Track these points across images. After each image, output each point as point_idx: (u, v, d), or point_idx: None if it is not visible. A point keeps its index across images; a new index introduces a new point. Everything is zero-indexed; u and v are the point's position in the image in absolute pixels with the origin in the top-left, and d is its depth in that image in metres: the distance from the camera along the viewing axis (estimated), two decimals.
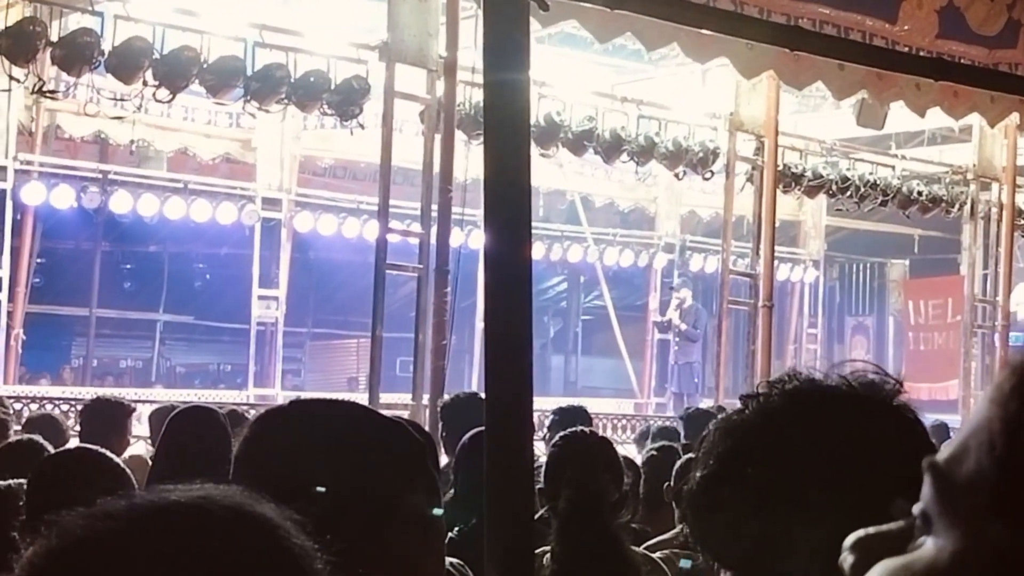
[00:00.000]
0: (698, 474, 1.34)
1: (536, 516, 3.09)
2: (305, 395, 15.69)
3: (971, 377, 14.14)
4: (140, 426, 10.33)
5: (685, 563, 3.61)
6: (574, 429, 3.60)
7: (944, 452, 0.72)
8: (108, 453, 3.18)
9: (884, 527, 0.79)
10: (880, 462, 1.27)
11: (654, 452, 4.95)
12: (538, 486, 3.37)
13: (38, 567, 0.96)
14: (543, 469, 3.41)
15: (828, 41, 7.08)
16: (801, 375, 1.35)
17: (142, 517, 0.97)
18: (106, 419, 6.24)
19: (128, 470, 3.22)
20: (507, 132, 2.96)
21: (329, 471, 1.65)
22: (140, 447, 7.61)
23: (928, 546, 0.71)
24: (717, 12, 7.55)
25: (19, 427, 9.76)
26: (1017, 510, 0.67)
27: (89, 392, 12.10)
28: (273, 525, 1.00)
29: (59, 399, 10.46)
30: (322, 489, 1.61)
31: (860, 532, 0.80)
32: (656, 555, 3.59)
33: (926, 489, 0.72)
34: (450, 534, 3.76)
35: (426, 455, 1.94)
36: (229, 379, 18.88)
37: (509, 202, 2.90)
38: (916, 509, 0.73)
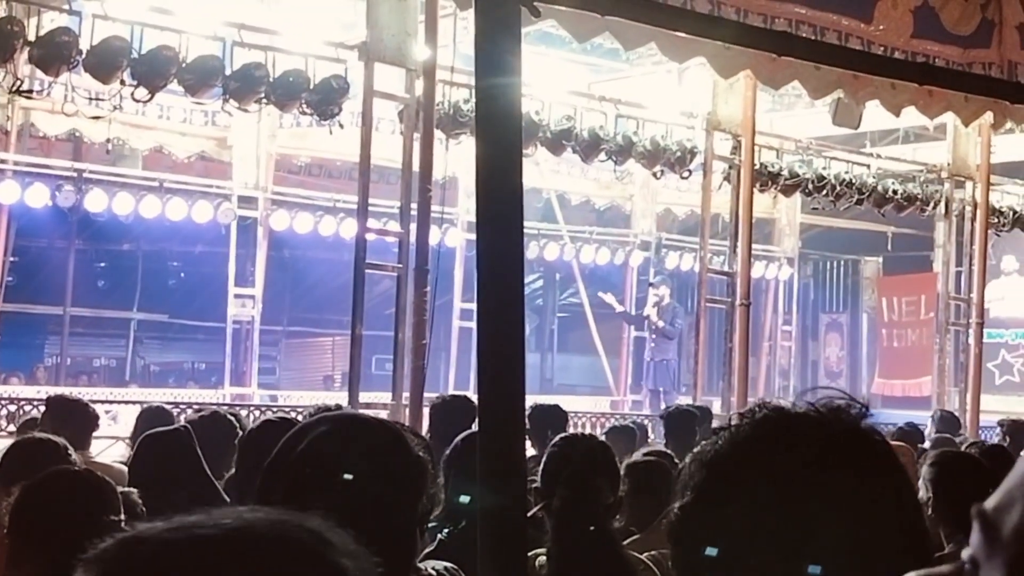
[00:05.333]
0: (677, 505, 1.37)
1: (529, 514, 3.12)
2: (281, 394, 15.67)
3: (945, 374, 14.24)
4: (116, 426, 10.32)
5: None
6: (574, 432, 3.63)
7: (992, 500, 0.74)
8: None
9: (936, 570, 0.81)
10: (846, 484, 1.30)
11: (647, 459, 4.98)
12: (533, 485, 3.39)
13: None
14: (540, 469, 3.43)
15: (811, 45, 7.12)
16: (770, 404, 1.39)
17: (189, 543, 0.97)
18: (69, 417, 6.19)
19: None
20: (499, 136, 2.97)
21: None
22: (120, 448, 7.58)
23: None
24: (696, 15, 7.59)
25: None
26: None
27: (64, 392, 12.03)
28: (321, 553, 1.01)
29: (36, 400, 10.39)
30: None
31: (914, 574, 0.82)
32: (645, 556, 3.62)
33: (975, 536, 0.74)
34: (439, 536, 3.78)
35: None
36: (203, 378, 18.81)
37: (502, 205, 2.91)
38: (966, 554, 0.75)
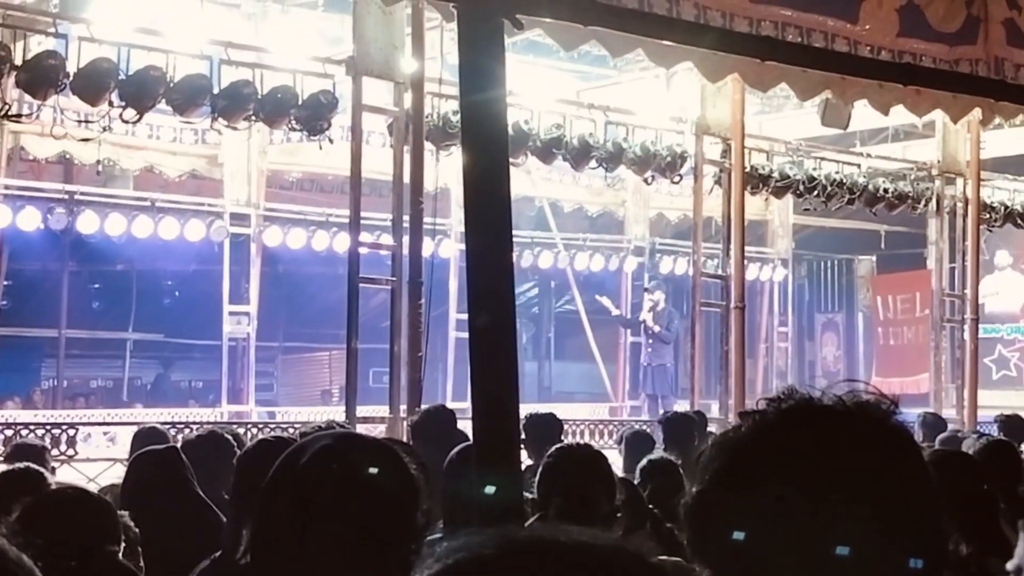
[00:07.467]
0: (695, 489, 1.37)
1: (526, 525, 3.12)
2: (279, 410, 15.64)
3: (941, 370, 14.25)
4: (115, 447, 10.30)
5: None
6: (570, 443, 3.63)
7: None
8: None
9: None
10: (872, 480, 1.30)
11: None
12: (530, 496, 3.39)
13: None
14: (536, 480, 3.43)
15: (795, 49, 7.14)
16: (797, 393, 1.38)
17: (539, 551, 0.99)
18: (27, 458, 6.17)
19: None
20: (485, 148, 2.98)
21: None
22: (118, 469, 7.57)
23: None
24: (681, 24, 7.60)
25: None
26: None
27: (61, 415, 12.03)
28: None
29: (33, 424, 10.36)
30: None
31: None
32: None
33: (1021, 547, 0.74)
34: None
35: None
36: (201, 396, 18.79)
37: (490, 216, 2.92)
38: (1011, 565, 0.76)
